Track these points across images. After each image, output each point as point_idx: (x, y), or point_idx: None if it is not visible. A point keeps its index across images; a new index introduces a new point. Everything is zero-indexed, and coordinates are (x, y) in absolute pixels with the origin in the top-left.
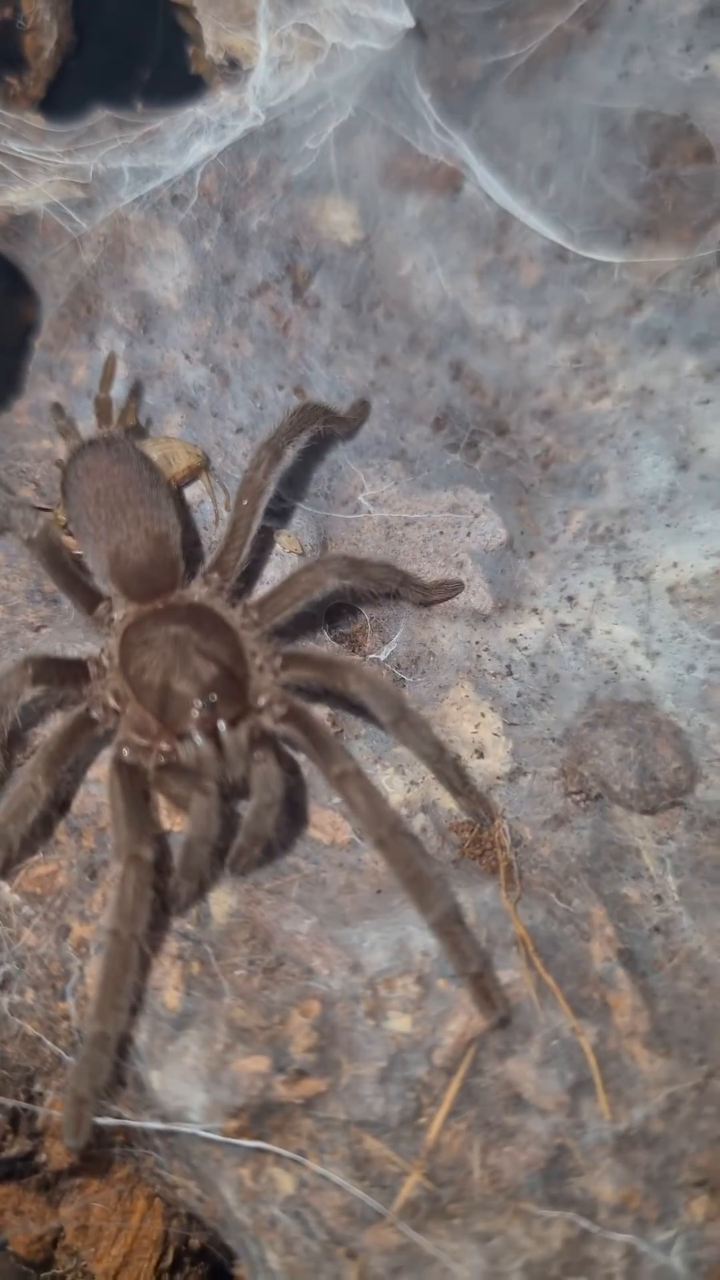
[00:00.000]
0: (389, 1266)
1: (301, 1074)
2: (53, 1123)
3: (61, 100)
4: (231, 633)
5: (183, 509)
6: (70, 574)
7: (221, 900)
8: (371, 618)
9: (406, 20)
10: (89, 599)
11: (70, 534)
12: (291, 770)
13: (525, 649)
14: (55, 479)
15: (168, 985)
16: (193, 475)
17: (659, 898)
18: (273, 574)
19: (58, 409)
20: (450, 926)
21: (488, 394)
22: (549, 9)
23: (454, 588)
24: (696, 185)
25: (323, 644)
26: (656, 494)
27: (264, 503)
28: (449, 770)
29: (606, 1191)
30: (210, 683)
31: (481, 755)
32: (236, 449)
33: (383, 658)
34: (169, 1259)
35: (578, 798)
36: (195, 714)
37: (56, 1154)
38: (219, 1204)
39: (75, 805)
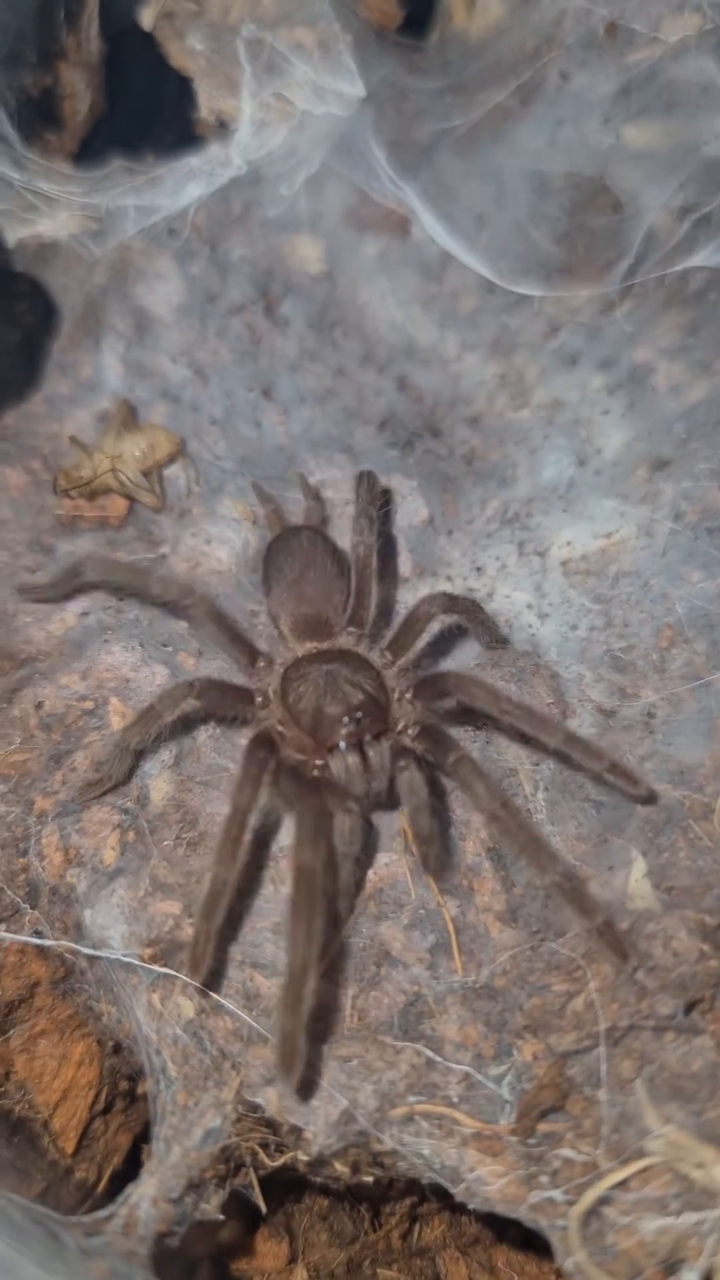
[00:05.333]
0: (263, 1076)
1: None
2: (8, 961)
3: (91, 153)
4: (373, 669)
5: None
6: (234, 632)
7: (160, 788)
8: None
9: (360, 90)
10: (250, 653)
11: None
12: (433, 783)
13: None
14: (61, 453)
15: (106, 847)
16: (172, 458)
17: (530, 810)
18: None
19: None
20: (569, 884)
21: (426, 403)
22: (490, 87)
23: (506, 642)
24: (606, 233)
25: None
26: (558, 485)
27: (374, 560)
28: (570, 744)
29: (452, 1031)
30: (356, 704)
31: None
32: (209, 437)
33: None
34: (101, 1102)
35: (468, 726)
36: (343, 730)
37: (6, 988)
38: (133, 1024)
39: (48, 705)
